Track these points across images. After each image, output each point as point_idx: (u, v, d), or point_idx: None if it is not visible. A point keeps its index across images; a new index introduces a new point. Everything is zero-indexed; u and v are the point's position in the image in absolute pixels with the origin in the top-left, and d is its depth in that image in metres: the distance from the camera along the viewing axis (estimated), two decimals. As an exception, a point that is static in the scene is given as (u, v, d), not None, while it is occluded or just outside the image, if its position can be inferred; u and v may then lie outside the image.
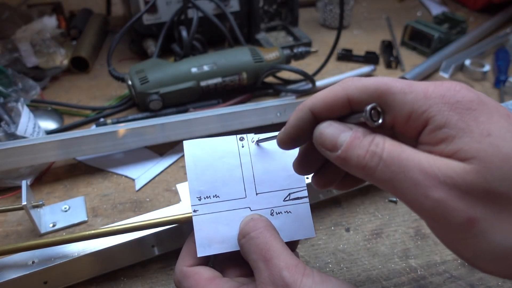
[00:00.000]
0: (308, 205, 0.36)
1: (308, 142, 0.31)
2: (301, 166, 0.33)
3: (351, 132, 0.25)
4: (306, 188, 0.36)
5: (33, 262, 0.38)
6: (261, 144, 0.37)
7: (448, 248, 0.25)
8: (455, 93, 0.24)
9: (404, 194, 0.23)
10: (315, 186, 0.33)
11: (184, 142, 0.36)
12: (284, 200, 0.36)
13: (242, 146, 0.37)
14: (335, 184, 0.33)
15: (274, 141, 0.37)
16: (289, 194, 0.36)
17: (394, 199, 0.52)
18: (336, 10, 0.93)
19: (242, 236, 0.32)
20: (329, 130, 0.26)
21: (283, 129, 0.30)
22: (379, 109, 0.25)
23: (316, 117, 0.28)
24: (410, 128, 0.25)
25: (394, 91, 0.25)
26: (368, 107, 0.25)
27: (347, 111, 0.27)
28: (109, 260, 0.41)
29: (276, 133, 0.32)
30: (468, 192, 0.21)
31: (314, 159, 0.32)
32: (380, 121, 0.25)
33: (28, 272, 0.37)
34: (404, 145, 0.24)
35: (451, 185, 0.22)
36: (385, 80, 0.26)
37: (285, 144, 0.30)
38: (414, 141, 0.25)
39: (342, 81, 0.28)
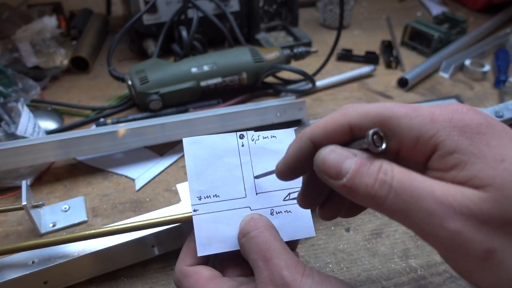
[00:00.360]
0: None
1: (309, 174, 0.29)
2: (305, 200, 0.31)
3: (356, 158, 0.24)
4: None
5: (33, 262, 0.38)
6: (261, 143, 0.37)
7: (463, 277, 0.23)
8: (463, 115, 0.23)
9: (418, 225, 0.22)
10: (322, 219, 0.31)
11: (184, 139, 0.36)
12: (284, 200, 0.36)
13: (242, 145, 0.37)
14: (342, 213, 0.31)
15: (274, 140, 0.37)
16: (289, 193, 0.36)
17: (394, 199, 0.51)
18: (336, 10, 0.93)
19: (242, 235, 0.32)
20: (332, 156, 0.24)
21: (281, 160, 0.29)
22: (381, 133, 0.24)
23: (316, 146, 0.26)
24: (418, 153, 0.24)
25: (398, 116, 0.24)
26: (370, 132, 0.23)
27: (348, 138, 0.26)
28: (109, 260, 0.41)
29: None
30: (485, 222, 0.20)
31: (318, 190, 0.30)
32: (384, 146, 0.24)
33: (28, 272, 0.37)
34: (414, 172, 0.23)
35: (467, 215, 0.20)
36: (388, 105, 0.25)
37: (284, 175, 0.29)
38: (421, 167, 0.24)
39: (342, 107, 0.27)
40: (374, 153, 0.24)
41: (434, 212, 0.21)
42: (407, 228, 0.23)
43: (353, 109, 0.26)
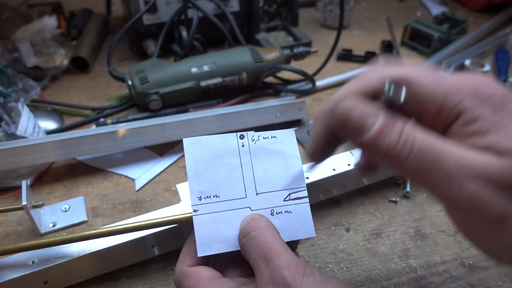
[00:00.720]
0: (308, 205, 0.36)
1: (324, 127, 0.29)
2: (316, 152, 0.30)
3: (379, 117, 0.23)
4: (306, 188, 0.37)
5: (33, 262, 0.38)
6: (262, 144, 0.37)
7: (471, 241, 0.24)
8: (487, 87, 0.23)
9: (436, 185, 0.22)
10: (364, 175, 0.32)
11: (184, 139, 0.36)
12: (284, 200, 0.36)
13: (243, 146, 0.37)
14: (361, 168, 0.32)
15: (274, 141, 0.37)
16: (289, 194, 0.36)
17: (394, 199, 0.52)
18: (336, 10, 0.93)
19: (243, 235, 0.32)
20: (356, 112, 0.24)
21: (310, 142, 0.29)
22: (400, 86, 0.24)
23: None
24: (441, 120, 0.24)
25: (423, 83, 0.24)
26: (387, 84, 0.23)
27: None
28: (109, 260, 0.41)
29: None
30: (503, 187, 0.21)
31: (329, 144, 0.30)
32: (403, 97, 0.24)
33: (28, 272, 0.37)
34: (435, 135, 0.23)
35: (486, 179, 0.21)
36: (411, 70, 0.25)
37: (316, 157, 0.29)
38: (443, 132, 0.24)
39: (361, 75, 0.26)
40: (396, 107, 0.24)
41: (454, 174, 0.21)
42: (425, 189, 0.23)
43: (372, 74, 0.26)
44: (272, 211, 0.35)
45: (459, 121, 0.24)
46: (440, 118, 0.24)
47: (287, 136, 0.38)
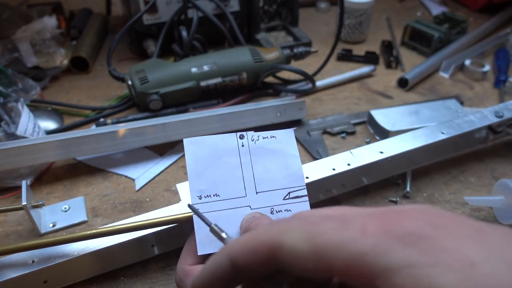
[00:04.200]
0: (307, 203, 0.36)
1: None
2: None
3: None
4: (305, 187, 0.37)
5: (33, 261, 0.38)
6: (261, 143, 0.37)
7: None
8: (402, 222, 0.19)
9: None
10: None
11: (184, 140, 0.36)
12: (284, 199, 0.36)
13: (242, 145, 0.37)
14: None
15: (274, 141, 0.37)
16: (289, 193, 0.36)
17: (394, 199, 0.52)
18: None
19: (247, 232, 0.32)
20: None
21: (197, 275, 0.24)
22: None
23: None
24: (358, 280, 0.19)
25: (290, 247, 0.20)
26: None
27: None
28: (109, 259, 0.41)
29: None
30: None
31: None
32: None
33: (28, 271, 0.37)
34: None
35: None
36: (274, 234, 0.20)
37: None
38: None
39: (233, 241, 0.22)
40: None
41: None
42: None
43: (238, 244, 0.21)
44: (272, 209, 0.36)
45: (382, 275, 0.18)
46: (355, 278, 0.19)
47: (286, 136, 0.38)
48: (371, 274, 0.18)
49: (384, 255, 0.18)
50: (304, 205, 0.36)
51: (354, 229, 0.19)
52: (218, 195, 0.35)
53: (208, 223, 0.29)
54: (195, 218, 0.34)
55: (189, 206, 0.32)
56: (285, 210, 0.36)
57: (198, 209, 0.34)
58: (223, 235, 0.28)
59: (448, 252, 0.17)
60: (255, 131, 0.37)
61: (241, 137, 0.37)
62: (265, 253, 0.20)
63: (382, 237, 0.18)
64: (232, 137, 0.37)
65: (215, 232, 0.28)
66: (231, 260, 0.21)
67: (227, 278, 0.22)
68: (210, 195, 0.35)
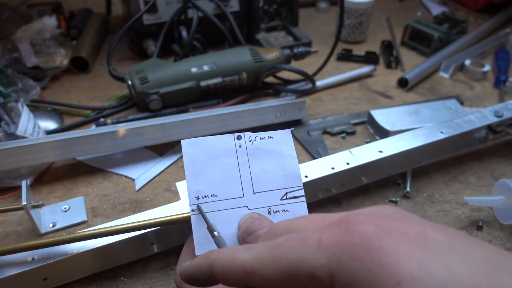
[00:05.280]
0: (305, 203, 0.36)
1: None
2: None
3: None
4: (302, 187, 0.37)
5: (32, 259, 0.38)
6: (258, 144, 0.37)
7: None
8: (352, 232, 0.20)
9: None
10: None
11: (182, 141, 0.36)
12: (281, 199, 0.36)
13: (240, 146, 0.37)
14: None
15: (271, 141, 0.37)
16: (286, 193, 0.36)
17: (394, 199, 0.52)
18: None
19: (248, 234, 0.32)
20: None
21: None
22: None
23: None
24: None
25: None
26: None
27: None
28: (108, 257, 0.42)
29: None
30: None
31: None
32: None
33: (27, 269, 0.37)
34: None
35: None
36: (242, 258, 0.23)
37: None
38: None
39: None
40: None
41: None
42: None
43: (220, 260, 0.24)
44: (269, 210, 0.36)
45: None
46: None
47: (284, 137, 0.38)
48: (330, 285, 0.20)
49: (336, 269, 0.20)
50: (301, 205, 0.36)
51: (311, 244, 0.21)
52: (216, 195, 0.35)
53: (207, 222, 0.32)
54: (193, 219, 0.34)
55: (198, 207, 0.35)
56: (282, 211, 0.36)
57: (202, 210, 0.34)
58: (215, 233, 0.31)
59: (384, 268, 0.18)
60: (252, 132, 0.37)
61: (239, 137, 0.37)
62: (240, 276, 0.23)
63: (334, 249, 0.20)
64: (230, 138, 0.37)
65: (210, 230, 0.31)
66: (211, 270, 0.24)
67: (205, 280, 0.25)
68: (207, 196, 0.35)
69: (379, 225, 0.20)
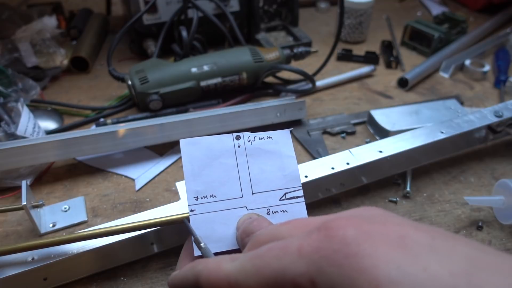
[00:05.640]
0: (304, 204, 0.36)
1: None
2: None
3: None
4: (301, 187, 0.37)
5: (32, 259, 0.38)
6: (257, 144, 0.37)
7: None
8: (331, 238, 0.20)
9: None
10: None
11: (181, 140, 0.36)
12: (280, 200, 0.36)
13: (239, 146, 0.37)
14: None
15: (270, 141, 0.38)
16: (285, 193, 0.36)
17: (394, 199, 0.52)
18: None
19: (246, 235, 0.32)
20: None
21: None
22: None
23: None
24: None
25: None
26: None
27: None
28: (108, 257, 0.42)
29: None
30: None
31: None
32: None
33: (27, 269, 0.37)
34: None
35: None
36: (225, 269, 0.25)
37: None
38: None
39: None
40: None
41: None
42: None
43: (206, 271, 0.25)
44: (268, 210, 0.36)
45: None
46: None
47: (283, 137, 0.38)
48: None
49: (317, 276, 0.20)
50: (300, 206, 0.36)
51: (292, 253, 0.21)
52: (215, 196, 0.35)
53: (193, 234, 0.33)
54: (192, 218, 0.34)
55: (184, 221, 0.36)
56: (281, 211, 0.36)
57: (195, 210, 0.35)
58: (202, 245, 0.32)
59: (363, 273, 0.18)
60: (252, 132, 0.37)
61: (238, 138, 0.37)
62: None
63: (314, 256, 0.20)
64: (229, 138, 0.37)
65: (196, 242, 0.33)
66: (197, 281, 0.25)
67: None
68: (206, 196, 0.35)
69: (358, 229, 0.20)
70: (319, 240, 0.21)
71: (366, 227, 0.20)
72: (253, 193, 0.36)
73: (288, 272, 0.21)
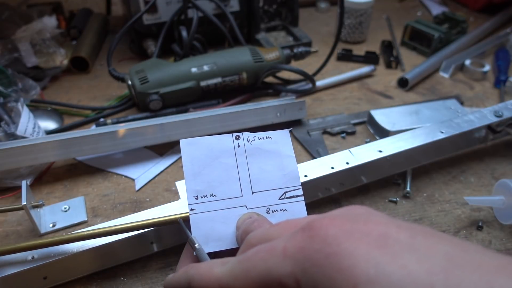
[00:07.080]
0: (303, 203, 0.36)
1: None
2: None
3: None
4: (301, 187, 0.37)
5: (32, 258, 0.38)
6: (257, 144, 0.37)
7: None
8: (313, 238, 0.21)
9: None
10: None
11: (181, 140, 0.36)
12: (279, 199, 0.36)
13: (238, 146, 0.37)
14: None
15: (269, 141, 0.38)
16: (285, 192, 0.37)
17: (394, 199, 0.52)
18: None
19: (246, 234, 0.32)
20: None
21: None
22: None
23: None
24: None
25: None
26: None
27: None
28: (108, 256, 0.42)
29: None
30: None
31: None
32: None
33: (27, 267, 0.37)
34: None
35: None
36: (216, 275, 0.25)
37: None
38: None
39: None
40: None
41: None
42: None
43: (198, 275, 0.27)
44: (268, 209, 0.36)
45: None
46: None
47: (282, 137, 0.38)
48: None
49: (301, 276, 0.20)
50: (299, 205, 0.36)
51: (277, 254, 0.22)
52: (215, 195, 0.35)
53: (188, 235, 0.34)
54: (192, 218, 0.35)
55: (178, 221, 0.36)
56: (281, 210, 0.36)
57: (195, 209, 0.35)
58: (197, 245, 0.32)
59: (342, 272, 0.19)
60: (251, 132, 0.38)
61: (237, 137, 0.37)
62: None
63: (298, 257, 0.21)
64: (228, 138, 0.37)
65: (191, 243, 0.33)
66: (189, 286, 0.26)
67: None
68: (206, 195, 0.35)
69: (340, 228, 0.21)
70: (303, 240, 0.21)
71: (347, 226, 0.21)
72: (252, 192, 0.36)
73: (274, 273, 0.22)
